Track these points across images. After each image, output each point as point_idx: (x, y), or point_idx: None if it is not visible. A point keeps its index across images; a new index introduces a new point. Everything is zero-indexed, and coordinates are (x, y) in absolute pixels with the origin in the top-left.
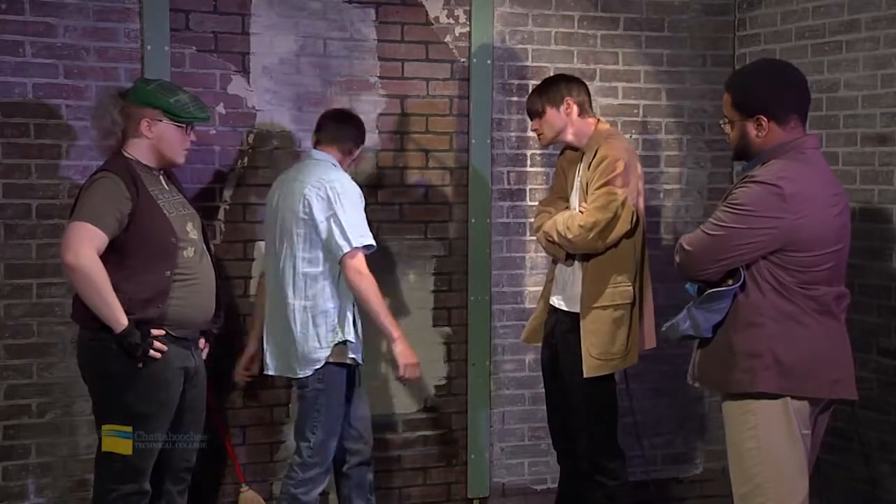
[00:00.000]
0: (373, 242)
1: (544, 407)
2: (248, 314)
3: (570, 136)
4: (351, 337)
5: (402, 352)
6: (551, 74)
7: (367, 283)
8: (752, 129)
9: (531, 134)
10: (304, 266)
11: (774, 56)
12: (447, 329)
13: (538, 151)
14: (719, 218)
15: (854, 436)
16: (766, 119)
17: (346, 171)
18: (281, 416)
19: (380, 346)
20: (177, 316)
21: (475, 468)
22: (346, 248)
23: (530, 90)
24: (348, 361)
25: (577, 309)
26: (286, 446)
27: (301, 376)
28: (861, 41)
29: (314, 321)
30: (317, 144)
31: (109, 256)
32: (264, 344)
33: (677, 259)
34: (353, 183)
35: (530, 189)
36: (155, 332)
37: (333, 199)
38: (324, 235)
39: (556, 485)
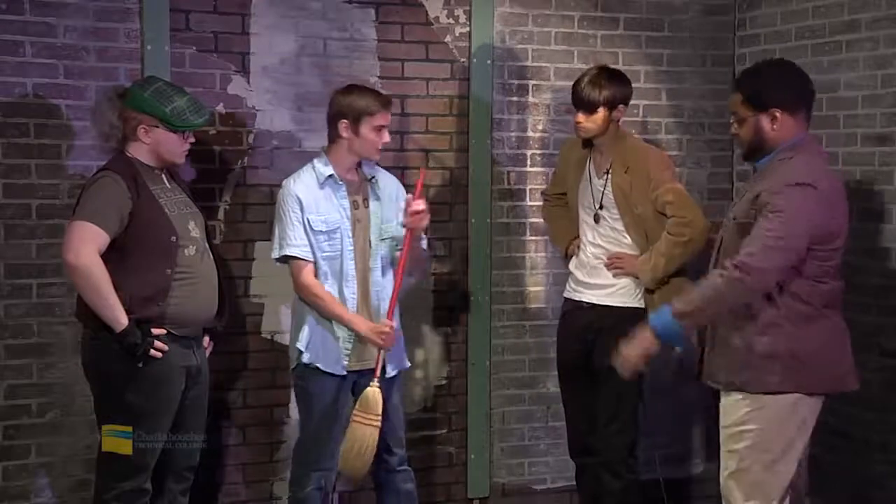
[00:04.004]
0: (291, 253)
1: (544, 407)
2: (248, 314)
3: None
4: (299, 345)
5: (365, 336)
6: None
7: (303, 293)
8: (766, 122)
9: (531, 134)
10: None
11: (774, 56)
12: (447, 329)
13: (538, 151)
14: (774, 228)
15: (854, 436)
16: (779, 112)
17: (344, 155)
18: (281, 416)
19: None
20: (177, 315)
21: (475, 468)
22: (272, 256)
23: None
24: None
25: (626, 303)
26: (286, 446)
27: None
28: (861, 41)
29: (292, 319)
30: None
31: (110, 255)
32: None
33: (746, 281)
34: (297, 187)
35: (530, 189)
36: (156, 331)
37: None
38: None
39: (555, 484)
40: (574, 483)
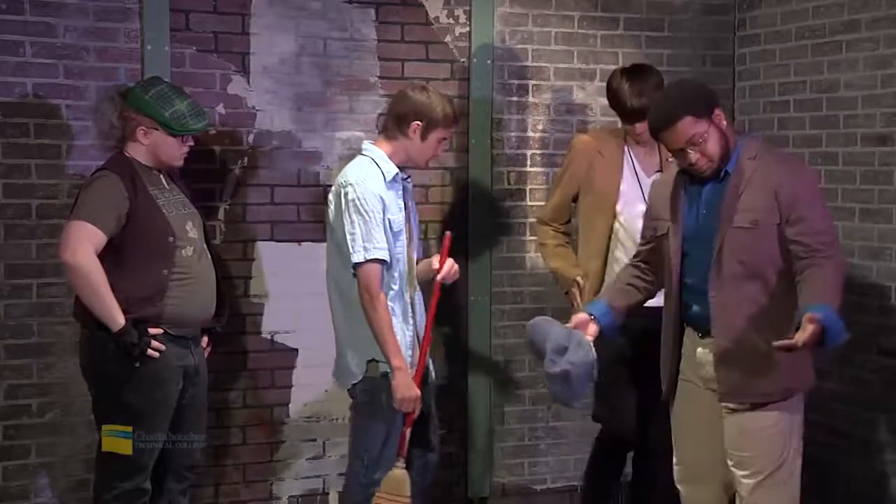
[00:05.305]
0: (381, 256)
1: (544, 407)
2: (248, 314)
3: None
4: (381, 356)
5: (398, 384)
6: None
7: (370, 303)
8: (721, 123)
9: (531, 134)
10: (339, 271)
11: (774, 56)
12: (447, 329)
13: (538, 151)
14: (824, 212)
15: (854, 436)
16: (717, 108)
17: (400, 156)
18: (281, 416)
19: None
20: (174, 315)
21: (475, 468)
22: (353, 261)
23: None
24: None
25: None
26: (286, 446)
27: (348, 388)
28: (861, 41)
29: (352, 331)
30: None
31: (107, 255)
32: None
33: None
34: (375, 185)
35: (530, 189)
36: (153, 331)
37: (345, 205)
38: (343, 243)
39: (555, 484)
40: (574, 483)
